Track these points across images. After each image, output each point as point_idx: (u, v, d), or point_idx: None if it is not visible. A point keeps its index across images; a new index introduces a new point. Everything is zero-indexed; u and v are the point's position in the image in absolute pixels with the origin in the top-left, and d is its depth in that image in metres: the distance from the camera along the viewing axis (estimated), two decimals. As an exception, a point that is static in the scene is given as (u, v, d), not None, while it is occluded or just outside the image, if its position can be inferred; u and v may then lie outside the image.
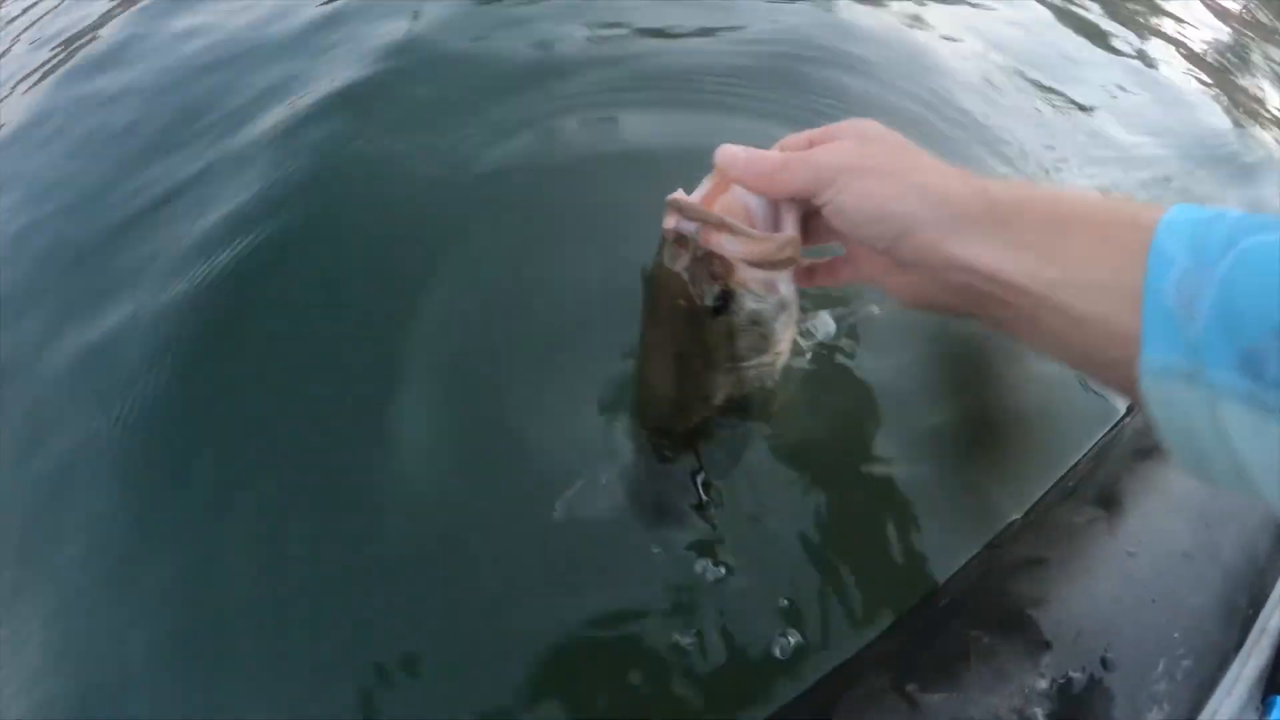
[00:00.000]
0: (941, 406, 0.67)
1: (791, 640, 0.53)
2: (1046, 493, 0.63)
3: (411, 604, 0.57)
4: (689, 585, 0.55)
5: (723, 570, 0.56)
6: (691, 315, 0.47)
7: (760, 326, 0.48)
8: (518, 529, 0.59)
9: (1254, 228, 0.33)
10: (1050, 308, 0.40)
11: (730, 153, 0.46)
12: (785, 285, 0.48)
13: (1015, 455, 0.67)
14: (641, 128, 0.84)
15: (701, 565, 0.56)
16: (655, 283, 0.48)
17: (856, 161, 0.45)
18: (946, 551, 0.59)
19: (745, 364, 0.50)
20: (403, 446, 0.63)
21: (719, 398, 0.53)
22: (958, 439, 0.66)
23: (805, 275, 0.54)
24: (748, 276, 0.46)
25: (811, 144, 0.48)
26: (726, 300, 0.46)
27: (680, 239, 0.46)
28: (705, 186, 0.47)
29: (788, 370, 0.55)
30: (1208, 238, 0.34)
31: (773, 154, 0.47)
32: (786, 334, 0.50)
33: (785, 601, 0.55)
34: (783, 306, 0.48)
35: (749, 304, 0.47)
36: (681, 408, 0.54)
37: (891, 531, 0.59)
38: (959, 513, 0.62)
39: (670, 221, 0.46)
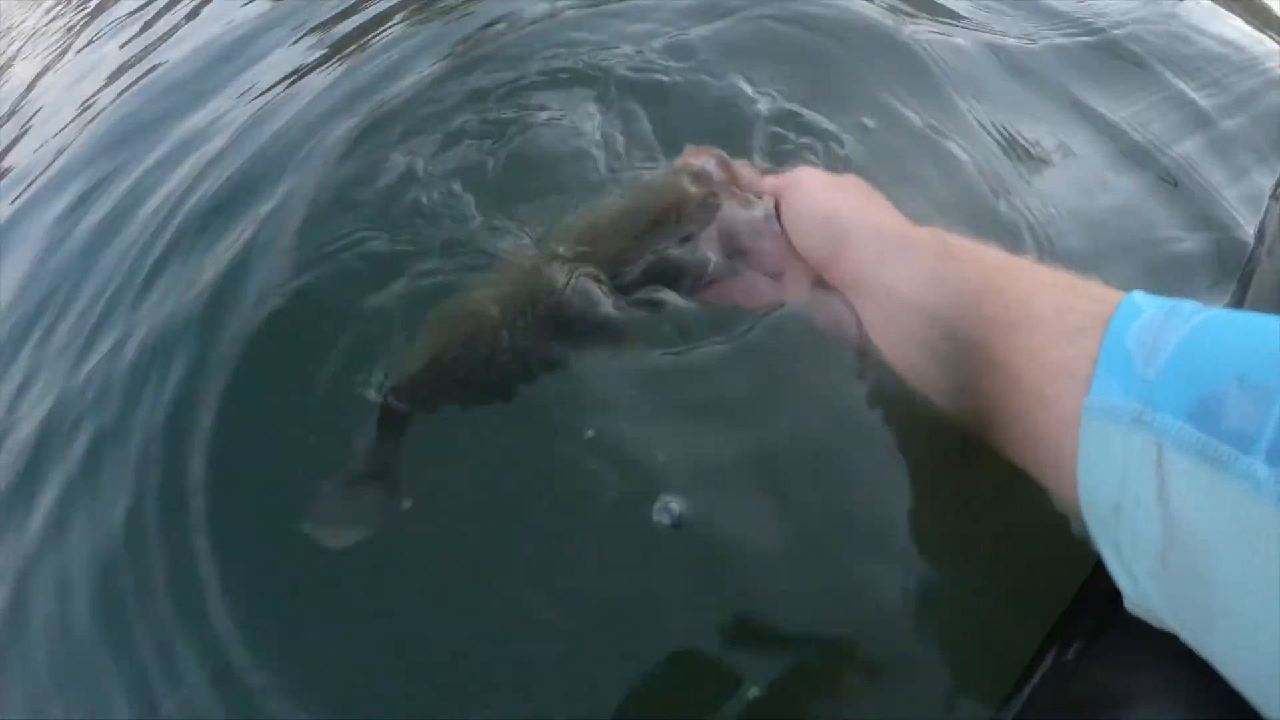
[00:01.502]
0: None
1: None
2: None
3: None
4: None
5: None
6: (659, 225, 0.54)
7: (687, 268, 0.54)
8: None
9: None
10: (976, 346, 0.38)
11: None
12: (721, 258, 0.54)
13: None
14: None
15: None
16: (659, 186, 0.56)
17: (825, 176, 0.50)
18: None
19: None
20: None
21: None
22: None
23: (742, 293, 0.54)
24: (714, 234, 0.53)
25: None
26: (687, 238, 0.54)
27: (706, 177, 0.55)
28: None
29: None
30: (1183, 304, 0.32)
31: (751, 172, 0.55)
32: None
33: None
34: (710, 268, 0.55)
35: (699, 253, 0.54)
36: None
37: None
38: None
39: (706, 162, 0.55)
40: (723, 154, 0.56)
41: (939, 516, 0.52)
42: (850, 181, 0.50)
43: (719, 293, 0.54)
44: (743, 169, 0.56)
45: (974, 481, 0.51)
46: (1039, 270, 0.39)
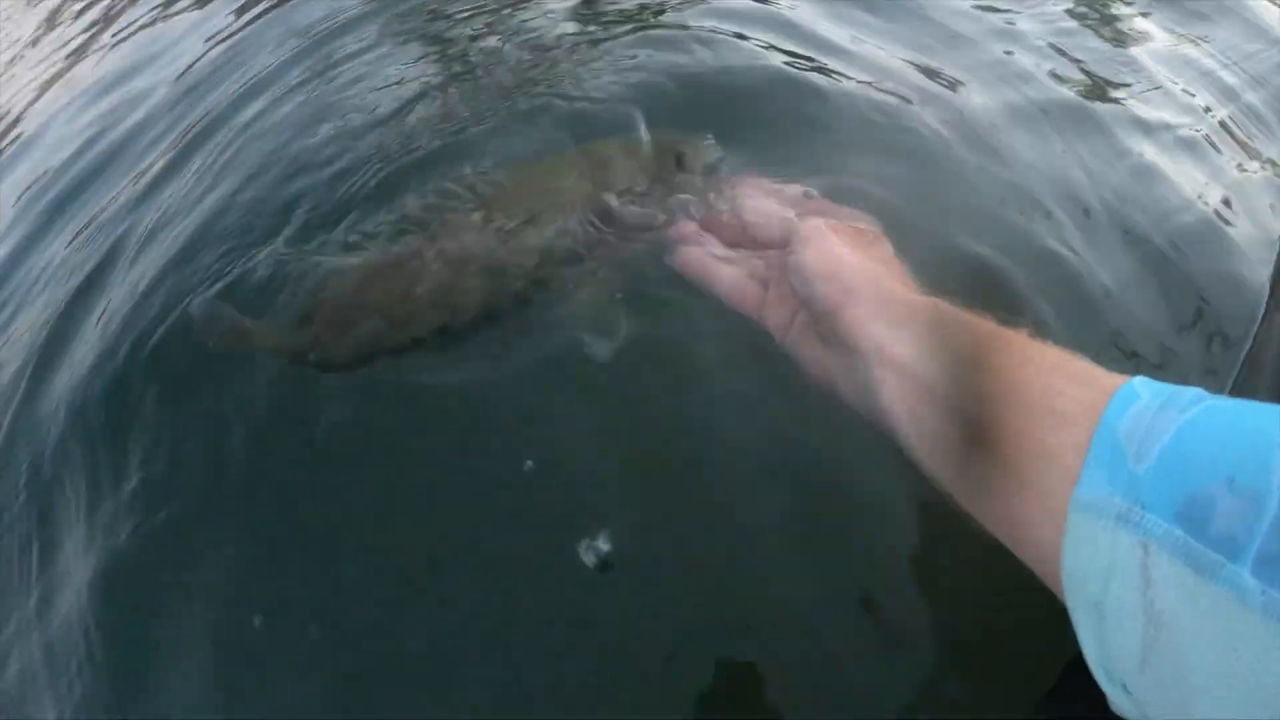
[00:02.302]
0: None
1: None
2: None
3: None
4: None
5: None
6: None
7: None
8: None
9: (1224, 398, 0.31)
10: (961, 421, 0.37)
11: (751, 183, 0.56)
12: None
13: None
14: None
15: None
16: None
17: (840, 230, 0.48)
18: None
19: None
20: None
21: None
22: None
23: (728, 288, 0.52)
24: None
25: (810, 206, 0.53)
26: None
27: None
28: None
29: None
30: (1183, 393, 0.31)
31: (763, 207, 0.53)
32: None
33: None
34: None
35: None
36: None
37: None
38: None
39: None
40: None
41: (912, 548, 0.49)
42: (864, 235, 0.49)
43: (708, 276, 0.52)
44: (760, 191, 0.55)
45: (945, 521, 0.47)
46: (1031, 347, 0.38)
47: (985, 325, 0.40)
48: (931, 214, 0.71)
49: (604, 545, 0.44)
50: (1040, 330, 0.39)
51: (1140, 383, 0.33)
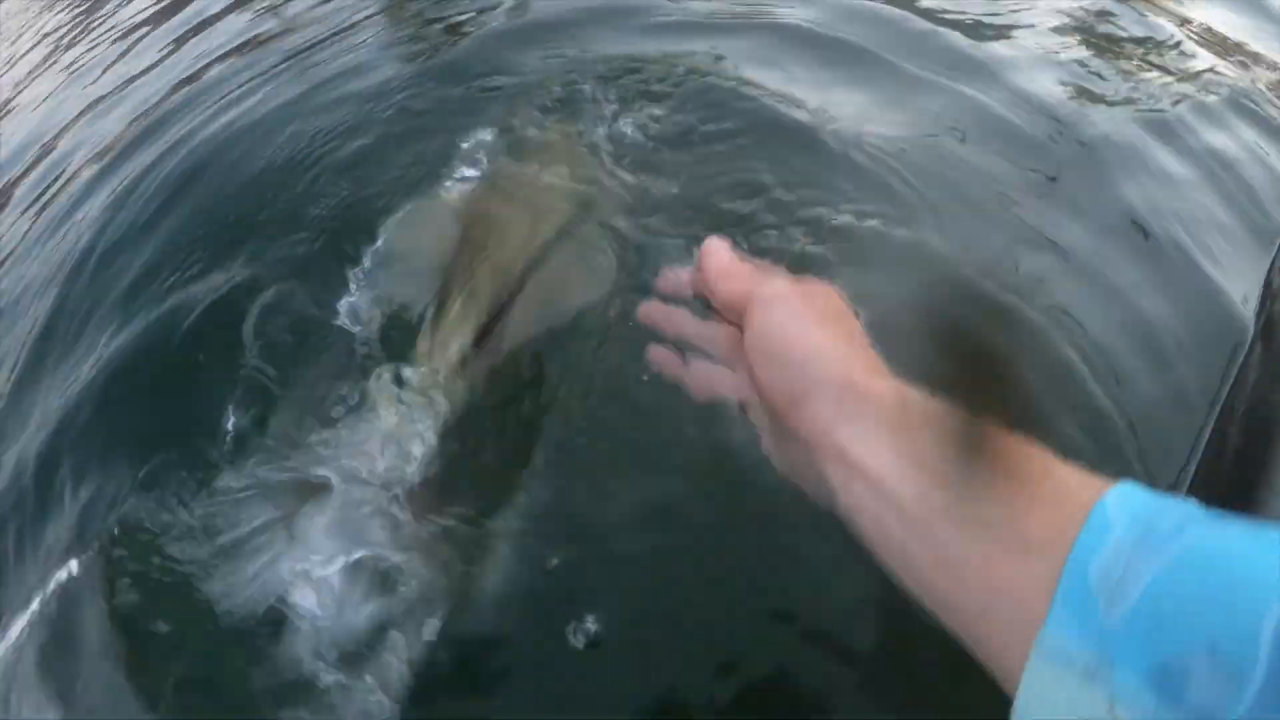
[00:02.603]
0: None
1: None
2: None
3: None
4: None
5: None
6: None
7: None
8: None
9: (1207, 520, 0.28)
10: (923, 538, 0.35)
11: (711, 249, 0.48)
12: None
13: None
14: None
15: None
16: None
17: (795, 295, 0.44)
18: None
19: None
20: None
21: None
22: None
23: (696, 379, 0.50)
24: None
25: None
26: None
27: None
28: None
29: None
30: (1159, 518, 0.29)
31: (728, 264, 0.47)
32: None
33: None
34: None
35: None
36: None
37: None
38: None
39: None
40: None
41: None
42: (820, 298, 0.44)
43: (671, 368, 0.50)
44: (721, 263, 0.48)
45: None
46: (1001, 449, 0.35)
47: (950, 420, 0.37)
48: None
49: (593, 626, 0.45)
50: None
51: (1115, 501, 0.30)
